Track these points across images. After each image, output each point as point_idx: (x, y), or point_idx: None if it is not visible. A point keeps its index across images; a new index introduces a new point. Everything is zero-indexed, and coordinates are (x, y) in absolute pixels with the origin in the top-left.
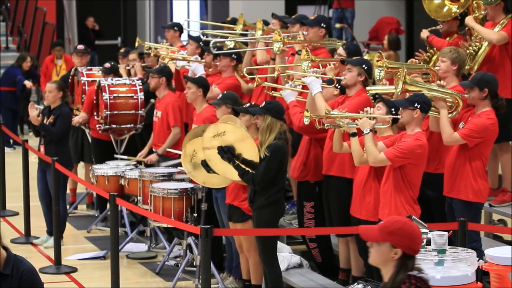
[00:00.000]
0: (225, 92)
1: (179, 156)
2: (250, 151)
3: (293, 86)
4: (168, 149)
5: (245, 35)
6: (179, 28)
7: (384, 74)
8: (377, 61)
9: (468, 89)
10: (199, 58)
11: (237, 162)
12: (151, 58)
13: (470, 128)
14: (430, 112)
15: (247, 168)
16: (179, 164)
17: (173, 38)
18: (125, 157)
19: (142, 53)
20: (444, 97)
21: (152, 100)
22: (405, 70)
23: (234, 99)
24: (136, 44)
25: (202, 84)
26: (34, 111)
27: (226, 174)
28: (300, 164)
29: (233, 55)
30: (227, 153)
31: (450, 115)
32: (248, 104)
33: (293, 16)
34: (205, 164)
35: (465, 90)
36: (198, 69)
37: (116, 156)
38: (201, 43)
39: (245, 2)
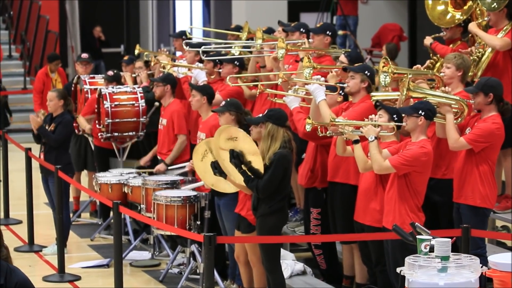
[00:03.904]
0: (228, 99)
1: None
2: (257, 165)
3: (296, 92)
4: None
5: (249, 43)
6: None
7: (390, 80)
8: (383, 66)
9: (473, 95)
10: (201, 65)
11: (244, 168)
12: (156, 66)
13: (475, 133)
14: (436, 118)
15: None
16: (185, 172)
17: (182, 46)
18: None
19: (148, 61)
20: (449, 103)
21: (157, 103)
22: (410, 76)
23: (237, 106)
24: (136, 51)
25: (207, 92)
26: (35, 118)
27: (233, 177)
28: (307, 170)
29: (235, 62)
30: (236, 158)
31: (455, 121)
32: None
33: (292, 24)
34: (213, 166)
35: (470, 96)
36: (200, 75)
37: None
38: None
39: (248, 10)
